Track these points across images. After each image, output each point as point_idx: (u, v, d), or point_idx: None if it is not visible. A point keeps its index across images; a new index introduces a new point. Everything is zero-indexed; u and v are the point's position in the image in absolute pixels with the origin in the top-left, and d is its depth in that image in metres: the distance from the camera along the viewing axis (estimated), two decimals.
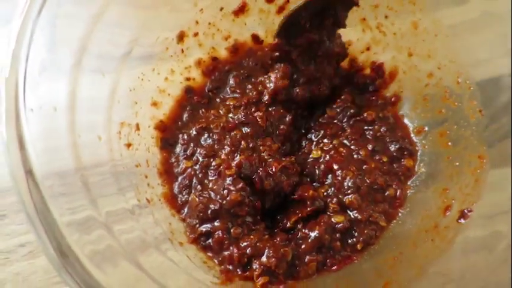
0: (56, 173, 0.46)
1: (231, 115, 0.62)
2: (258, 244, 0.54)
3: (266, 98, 0.62)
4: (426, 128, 0.63)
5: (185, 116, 0.63)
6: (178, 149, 0.61)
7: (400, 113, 0.66)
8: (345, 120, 0.64)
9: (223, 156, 0.58)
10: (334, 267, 0.55)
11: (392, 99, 0.66)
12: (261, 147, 0.59)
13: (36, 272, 0.58)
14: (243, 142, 0.59)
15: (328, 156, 0.60)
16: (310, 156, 0.62)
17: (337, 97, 0.65)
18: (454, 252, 0.51)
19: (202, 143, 0.61)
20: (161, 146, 0.61)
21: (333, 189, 0.58)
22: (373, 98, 0.67)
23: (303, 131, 0.66)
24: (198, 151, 0.60)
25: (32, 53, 0.45)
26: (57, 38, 0.48)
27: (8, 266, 0.58)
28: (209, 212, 0.55)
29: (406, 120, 0.65)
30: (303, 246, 0.54)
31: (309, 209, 0.57)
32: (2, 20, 0.72)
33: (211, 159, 0.59)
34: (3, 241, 0.59)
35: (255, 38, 0.67)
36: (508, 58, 0.51)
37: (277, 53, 0.64)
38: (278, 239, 0.55)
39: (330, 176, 0.59)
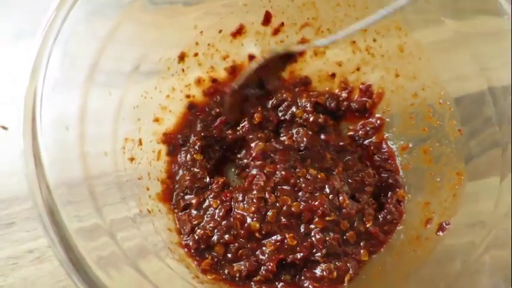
0: (65, 182, 0.49)
1: None
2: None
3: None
4: (411, 145, 0.67)
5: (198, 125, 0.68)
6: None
7: (386, 135, 0.70)
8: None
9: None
10: None
11: (378, 123, 0.70)
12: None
13: (44, 277, 0.61)
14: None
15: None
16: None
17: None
18: (433, 260, 0.55)
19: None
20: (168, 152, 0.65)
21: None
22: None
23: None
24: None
25: (49, 68, 0.48)
26: (71, 55, 0.52)
27: (17, 271, 0.61)
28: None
29: (390, 142, 0.69)
30: None
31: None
32: (12, 35, 0.78)
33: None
34: (12, 247, 0.63)
35: (252, 58, 0.71)
36: (482, 75, 0.56)
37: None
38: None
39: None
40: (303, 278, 0.58)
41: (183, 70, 0.67)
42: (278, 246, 0.58)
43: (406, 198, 0.64)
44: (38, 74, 0.48)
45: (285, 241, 0.58)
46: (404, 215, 0.63)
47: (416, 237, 0.59)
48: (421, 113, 0.65)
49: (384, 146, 0.69)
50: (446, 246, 0.55)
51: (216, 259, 0.59)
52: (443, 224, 0.56)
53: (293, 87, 0.72)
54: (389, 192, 0.65)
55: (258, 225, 0.58)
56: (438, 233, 0.56)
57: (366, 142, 0.70)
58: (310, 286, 0.57)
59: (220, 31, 0.67)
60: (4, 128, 0.68)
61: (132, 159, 0.60)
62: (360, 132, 0.70)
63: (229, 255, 0.59)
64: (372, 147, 0.69)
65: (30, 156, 0.46)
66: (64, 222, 0.45)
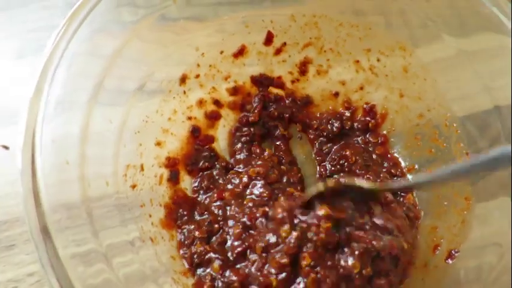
0: (63, 204, 0.49)
1: None
2: None
3: None
4: (417, 166, 0.65)
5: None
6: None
7: (392, 152, 0.68)
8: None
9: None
10: None
11: (381, 140, 0.68)
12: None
13: None
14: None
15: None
16: None
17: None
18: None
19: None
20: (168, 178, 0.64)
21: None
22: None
23: None
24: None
25: (52, 88, 0.48)
26: (74, 74, 0.51)
27: None
28: None
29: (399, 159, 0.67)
30: None
31: None
32: (15, 53, 0.79)
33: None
34: (12, 270, 0.62)
35: (253, 78, 0.70)
36: (486, 93, 0.54)
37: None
38: None
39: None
40: None
41: (184, 92, 0.66)
42: None
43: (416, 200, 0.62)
44: (41, 94, 0.48)
45: None
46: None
47: (424, 265, 0.57)
48: (427, 134, 0.64)
49: (389, 155, 0.68)
50: (458, 270, 0.53)
51: None
52: (453, 251, 0.54)
53: (293, 106, 0.71)
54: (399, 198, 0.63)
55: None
56: (447, 261, 0.54)
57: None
58: None
59: (221, 52, 0.67)
60: (5, 147, 0.68)
61: (134, 186, 0.59)
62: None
63: None
64: (376, 157, 0.67)
65: (27, 178, 0.46)
66: (57, 248, 0.44)
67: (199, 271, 0.59)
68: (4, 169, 0.66)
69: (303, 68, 0.71)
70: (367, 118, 0.69)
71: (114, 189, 0.56)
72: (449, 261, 0.54)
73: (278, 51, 0.69)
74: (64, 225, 0.48)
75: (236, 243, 0.58)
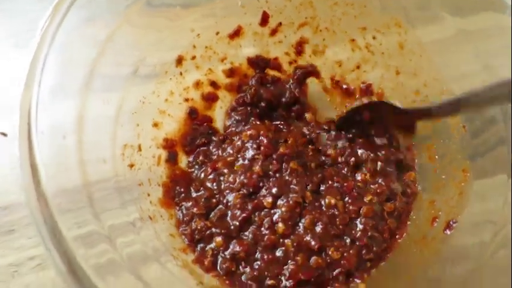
0: (64, 189, 0.49)
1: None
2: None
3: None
4: (414, 143, 0.66)
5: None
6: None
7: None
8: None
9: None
10: None
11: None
12: None
13: (45, 284, 0.60)
14: None
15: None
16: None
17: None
18: (442, 261, 0.53)
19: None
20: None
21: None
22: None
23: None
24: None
25: (44, 76, 0.48)
26: (68, 61, 0.51)
27: (18, 278, 0.61)
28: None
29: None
30: None
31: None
32: (12, 45, 0.78)
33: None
34: (12, 255, 0.62)
35: (250, 60, 0.70)
36: (485, 73, 0.54)
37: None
38: None
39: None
40: None
41: (180, 73, 0.66)
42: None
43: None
44: (33, 81, 0.48)
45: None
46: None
47: (422, 237, 0.58)
48: None
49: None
50: (455, 247, 0.54)
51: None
52: (451, 222, 0.55)
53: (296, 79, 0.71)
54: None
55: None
56: (445, 232, 0.55)
57: None
58: None
59: (217, 33, 0.67)
60: (4, 134, 0.68)
61: (131, 165, 0.59)
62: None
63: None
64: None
65: (26, 165, 0.46)
66: (61, 230, 0.44)
67: (200, 247, 0.59)
68: (2, 155, 0.66)
69: (299, 48, 0.71)
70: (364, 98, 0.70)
71: (112, 171, 0.56)
72: (448, 231, 0.55)
73: (274, 32, 0.69)
74: (65, 208, 0.48)
75: (238, 212, 0.58)
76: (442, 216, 0.57)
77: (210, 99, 0.69)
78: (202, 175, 0.65)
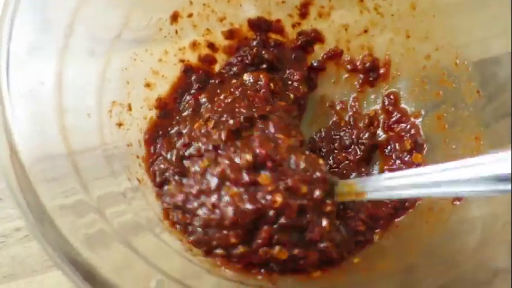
0: (47, 157, 0.46)
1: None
2: None
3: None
4: (423, 112, 0.62)
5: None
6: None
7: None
8: None
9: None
10: None
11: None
12: None
13: (32, 255, 0.58)
14: None
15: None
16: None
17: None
18: (449, 232, 0.51)
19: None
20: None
21: None
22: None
23: None
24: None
25: (17, 34, 0.44)
26: (45, 18, 0.48)
27: (4, 249, 0.59)
28: None
29: (403, 105, 0.64)
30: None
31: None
32: None
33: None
34: None
35: (251, 22, 0.65)
36: (504, 37, 0.51)
37: None
38: None
39: None
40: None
41: (176, 32, 0.62)
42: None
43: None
44: (1, 41, 0.44)
45: None
46: None
47: (428, 209, 0.55)
48: (435, 77, 0.61)
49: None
50: (464, 218, 0.52)
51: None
52: None
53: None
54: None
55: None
56: (455, 203, 0.52)
57: None
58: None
59: None
60: None
61: (120, 124, 0.56)
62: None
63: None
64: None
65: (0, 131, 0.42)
66: (42, 200, 0.41)
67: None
68: None
69: (304, 10, 0.66)
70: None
71: (99, 137, 0.53)
72: (457, 202, 0.52)
73: None
74: (49, 177, 0.45)
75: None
76: None
77: (208, 61, 0.65)
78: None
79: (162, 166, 0.56)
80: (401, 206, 0.57)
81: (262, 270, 0.51)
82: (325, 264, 0.51)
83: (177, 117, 0.61)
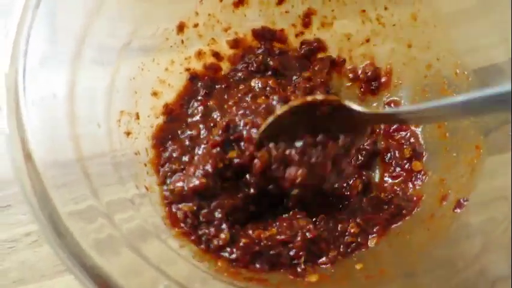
0: (58, 163, 0.47)
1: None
2: None
3: None
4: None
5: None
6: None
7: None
8: None
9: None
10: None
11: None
12: None
13: (41, 260, 0.59)
14: None
15: None
16: None
17: None
18: (450, 238, 0.52)
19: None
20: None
21: None
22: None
23: None
24: None
25: (31, 45, 0.45)
26: (57, 30, 0.49)
27: (14, 254, 0.60)
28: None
29: None
30: None
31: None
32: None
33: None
34: (8, 230, 0.61)
35: (255, 31, 0.67)
36: (504, 45, 0.52)
37: None
38: None
39: None
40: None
41: (182, 42, 0.63)
42: None
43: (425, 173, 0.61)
44: (19, 50, 0.45)
45: None
46: None
47: (430, 216, 0.56)
48: (436, 86, 0.61)
49: None
50: (464, 224, 0.52)
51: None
52: (461, 200, 0.53)
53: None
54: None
55: None
56: (455, 210, 0.53)
57: None
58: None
59: (221, 0, 0.63)
60: None
61: (128, 133, 0.57)
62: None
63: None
64: None
65: (15, 138, 0.43)
66: (55, 205, 0.42)
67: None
68: None
69: (307, 20, 0.68)
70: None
71: (108, 144, 0.54)
72: (458, 210, 0.53)
73: (281, 1, 0.66)
74: (60, 183, 0.46)
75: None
76: (452, 195, 0.55)
77: (213, 70, 0.66)
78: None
79: (173, 167, 0.58)
80: (398, 213, 0.58)
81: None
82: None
83: (186, 122, 0.63)
